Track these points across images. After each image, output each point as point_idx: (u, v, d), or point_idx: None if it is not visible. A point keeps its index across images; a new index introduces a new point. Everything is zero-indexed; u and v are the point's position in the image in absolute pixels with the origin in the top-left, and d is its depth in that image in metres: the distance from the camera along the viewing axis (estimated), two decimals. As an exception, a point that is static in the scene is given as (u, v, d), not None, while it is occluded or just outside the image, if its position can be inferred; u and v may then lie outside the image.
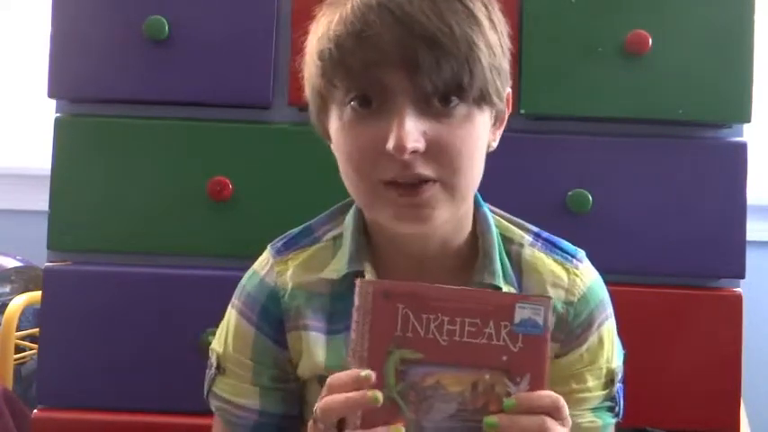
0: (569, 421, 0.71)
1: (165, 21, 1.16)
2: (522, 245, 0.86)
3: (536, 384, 0.69)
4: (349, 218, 0.86)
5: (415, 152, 0.71)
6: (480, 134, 0.77)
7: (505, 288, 0.82)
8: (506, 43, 0.79)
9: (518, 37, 1.16)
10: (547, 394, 0.69)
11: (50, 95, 1.20)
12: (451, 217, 0.78)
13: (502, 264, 0.84)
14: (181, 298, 1.16)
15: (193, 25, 1.18)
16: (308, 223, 0.90)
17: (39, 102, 1.93)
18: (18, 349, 1.68)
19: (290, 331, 0.86)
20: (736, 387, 1.16)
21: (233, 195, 1.17)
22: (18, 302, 1.65)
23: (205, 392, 0.91)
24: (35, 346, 1.52)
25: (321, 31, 0.76)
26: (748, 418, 1.28)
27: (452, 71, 0.71)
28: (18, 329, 1.65)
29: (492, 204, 0.89)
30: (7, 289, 1.82)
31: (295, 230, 0.90)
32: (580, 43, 1.17)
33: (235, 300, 0.90)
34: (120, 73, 1.19)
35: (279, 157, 1.18)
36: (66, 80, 1.20)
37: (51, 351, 1.18)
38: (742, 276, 1.18)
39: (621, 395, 0.89)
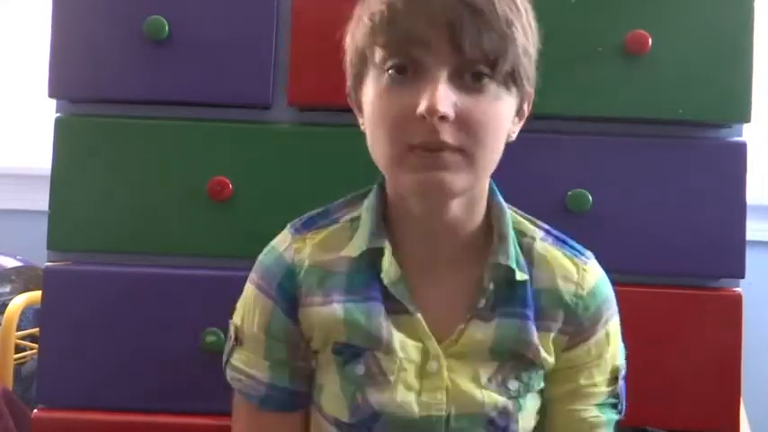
0: None
1: (165, 21, 1.16)
2: (533, 238, 0.90)
3: None
4: (368, 200, 0.90)
5: (443, 118, 0.75)
6: (505, 115, 0.81)
7: (518, 272, 0.85)
8: (536, 42, 0.83)
9: (518, 37, 1.16)
10: None
11: (50, 95, 1.20)
12: (467, 189, 0.81)
13: (515, 250, 0.87)
14: (181, 298, 1.16)
15: (193, 25, 1.18)
16: (326, 206, 0.94)
17: (39, 102, 1.93)
18: (18, 349, 1.68)
19: (303, 307, 0.89)
20: (736, 387, 1.16)
21: (233, 195, 1.17)
22: (18, 302, 1.66)
23: (223, 362, 0.94)
24: (35, 346, 1.53)
25: None
26: (748, 418, 1.28)
27: (491, 43, 0.76)
28: (18, 329, 1.65)
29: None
30: (7, 289, 1.82)
31: (314, 212, 0.93)
32: (580, 43, 1.17)
33: (253, 275, 0.92)
34: (120, 73, 1.19)
35: (279, 157, 1.18)
36: (66, 80, 1.20)
37: (51, 351, 1.18)
38: (742, 276, 1.18)
39: (624, 393, 0.92)
